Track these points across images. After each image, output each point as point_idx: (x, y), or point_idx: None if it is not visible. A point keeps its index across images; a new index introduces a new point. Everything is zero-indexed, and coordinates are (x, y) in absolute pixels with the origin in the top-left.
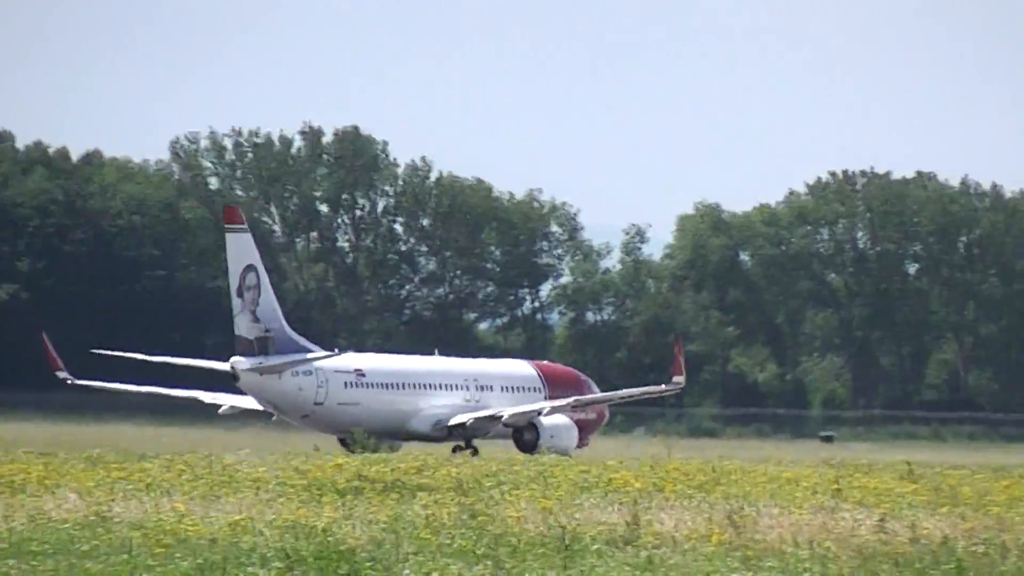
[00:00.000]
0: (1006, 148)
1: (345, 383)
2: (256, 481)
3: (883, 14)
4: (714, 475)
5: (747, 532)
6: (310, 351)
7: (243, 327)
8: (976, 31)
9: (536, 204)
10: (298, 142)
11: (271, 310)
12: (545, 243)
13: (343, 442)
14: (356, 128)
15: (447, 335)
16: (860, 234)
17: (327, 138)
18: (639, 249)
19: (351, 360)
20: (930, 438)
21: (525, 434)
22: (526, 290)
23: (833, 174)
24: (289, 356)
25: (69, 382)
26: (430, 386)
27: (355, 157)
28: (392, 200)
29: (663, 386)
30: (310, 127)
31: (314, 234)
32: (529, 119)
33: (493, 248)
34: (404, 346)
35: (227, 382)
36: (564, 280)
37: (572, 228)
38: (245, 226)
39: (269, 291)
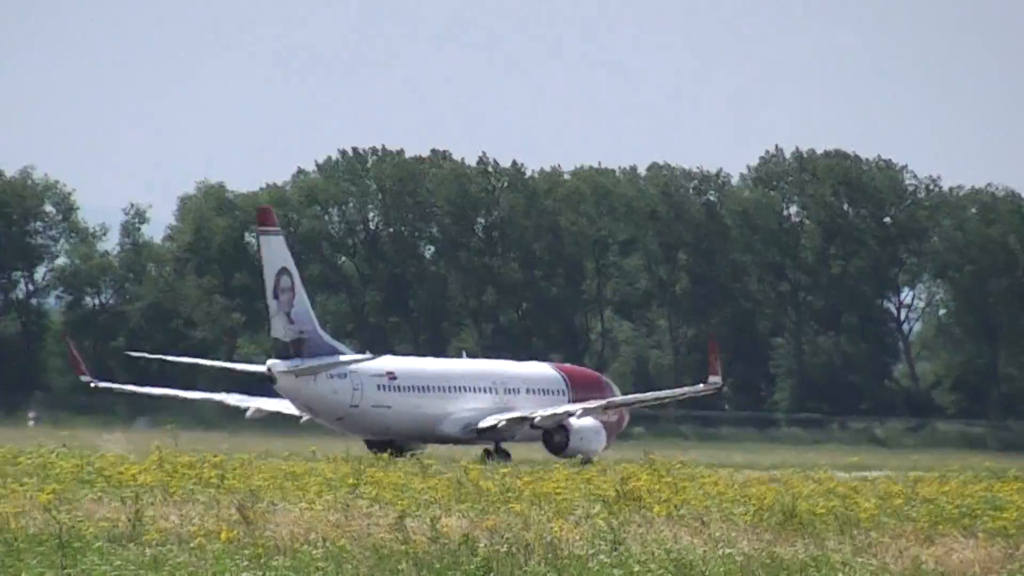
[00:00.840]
0: (527, 126)
1: (378, 386)
2: None
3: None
4: (224, 469)
5: (258, 529)
6: (342, 353)
7: (279, 330)
8: (497, 9)
9: (29, 183)
10: None
11: (305, 312)
12: (39, 224)
13: (369, 444)
14: None
15: None
16: (372, 215)
17: None
18: (139, 231)
19: (384, 363)
20: None
21: (555, 436)
22: (20, 273)
23: (343, 152)
24: (323, 358)
25: (93, 385)
26: (459, 389)
27: None
28: None
29: (700, 386)
30: None
31: None
32: (22, 94)
33: None
34: None
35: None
36: (60, 262)
37: (67, 208)
38: (278, 228)
39: (303, 293)
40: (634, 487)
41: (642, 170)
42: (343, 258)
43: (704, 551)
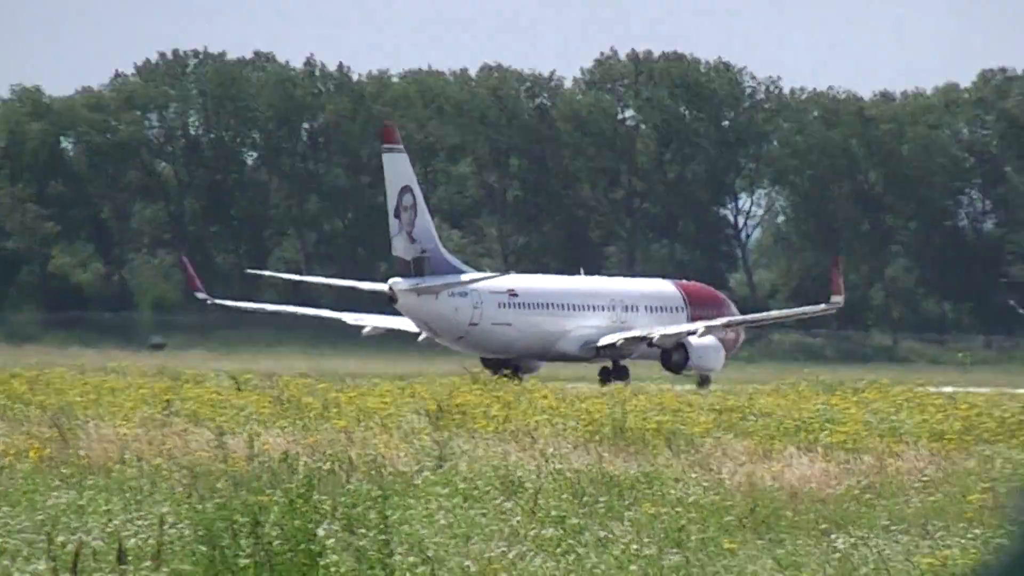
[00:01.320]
0: (354, 28)
1: (499, 304)
2: None
3: None
4: (34, 385)
5: (70, 448)
6: (463, 271)
7: (400, 248)
8: None
9: None
10: None
11: (427, 230)
12: None
13: (486, 362)
14: None
15: None
16: (193, 120)
17: None
18: None
19: (504, 281)
20: (271, 344)
21: (674, 355)
22: None
23: (163, 55)
24: (445, 277)
25: (209, 302)
26: (578, 307)
27: None
28: None
29: (822, 305)
30: None
31: None
32: None
33: None
34: None
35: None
36: None
37: None
38: (401, 146)
39: (424, 211)
40: (461, 401)
41: (473, 72)
42: (162, 164)
43: (534, 467)
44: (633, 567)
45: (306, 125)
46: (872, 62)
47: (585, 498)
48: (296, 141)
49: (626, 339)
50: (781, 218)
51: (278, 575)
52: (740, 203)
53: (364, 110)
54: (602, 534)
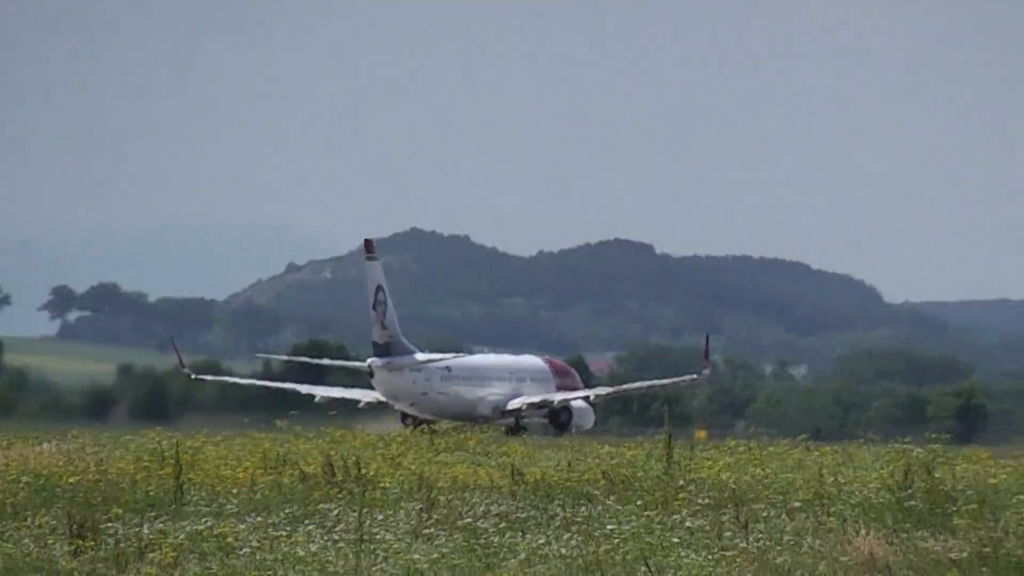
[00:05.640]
0: None
1: (441, 377)
2: None
3: None
4: None
5: None
6: (414, 352)
7: (376, 334)
8: None
9: None
10: None
11: (393, 321)
12: None
13: (404, 418)
14: None
15: None
16: None
17: None
18: None
19: (444, 360)
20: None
21: (561, 416)
22: None
23: None
24: (404, 357)
25: (193, 377)
26: (489, 379)
27: None
28: None
29: (694, 375)
30: None
31: None
32: None
33: None
34: None
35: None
36: None
37: None
38: (376, 255)
39: (391, 306)
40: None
41: None
42: None
43: None
44: None
45: None
46: None
47: None
48: None
49: (528, 404)
50: None
51: None
52: None
53: None
54: None
